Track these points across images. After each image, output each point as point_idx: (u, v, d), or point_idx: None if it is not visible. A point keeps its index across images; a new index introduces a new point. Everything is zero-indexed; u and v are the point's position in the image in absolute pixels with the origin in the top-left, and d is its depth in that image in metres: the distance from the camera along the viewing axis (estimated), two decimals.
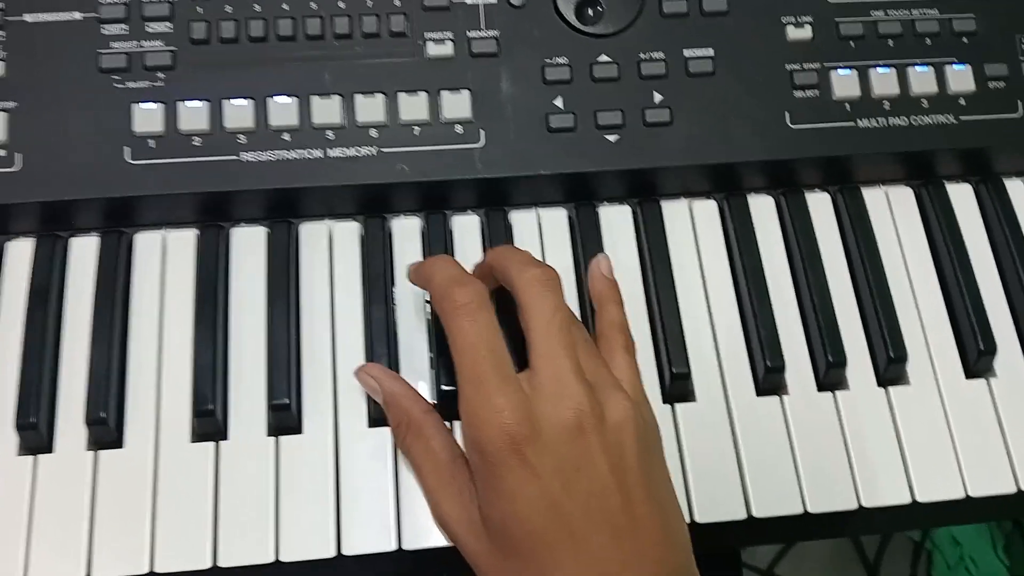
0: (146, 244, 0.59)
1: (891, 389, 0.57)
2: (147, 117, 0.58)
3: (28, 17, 0.59)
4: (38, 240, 0.59)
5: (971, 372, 0.58)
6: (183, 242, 0.59)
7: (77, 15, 0.59)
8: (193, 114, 0.58)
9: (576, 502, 0.45)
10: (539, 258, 0.58)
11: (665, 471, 0.50)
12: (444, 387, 0.55)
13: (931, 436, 0.56)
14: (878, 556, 1.13)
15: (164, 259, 0.59)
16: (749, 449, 0.55)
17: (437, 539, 0.52)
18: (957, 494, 0.55)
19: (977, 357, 0.57)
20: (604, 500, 0.46)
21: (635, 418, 0.47)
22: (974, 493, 0.55)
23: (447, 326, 0.50)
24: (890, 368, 0.57)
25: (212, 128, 0.58)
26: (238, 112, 0.58)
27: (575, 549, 0.45)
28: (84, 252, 0.59)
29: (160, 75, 0.58)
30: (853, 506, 0.54)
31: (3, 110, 0.57)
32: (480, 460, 0.47)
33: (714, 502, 0.54)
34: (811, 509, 0.54)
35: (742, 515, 0.54)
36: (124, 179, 0.57)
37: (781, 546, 1.09)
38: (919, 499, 0.55)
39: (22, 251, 0.58)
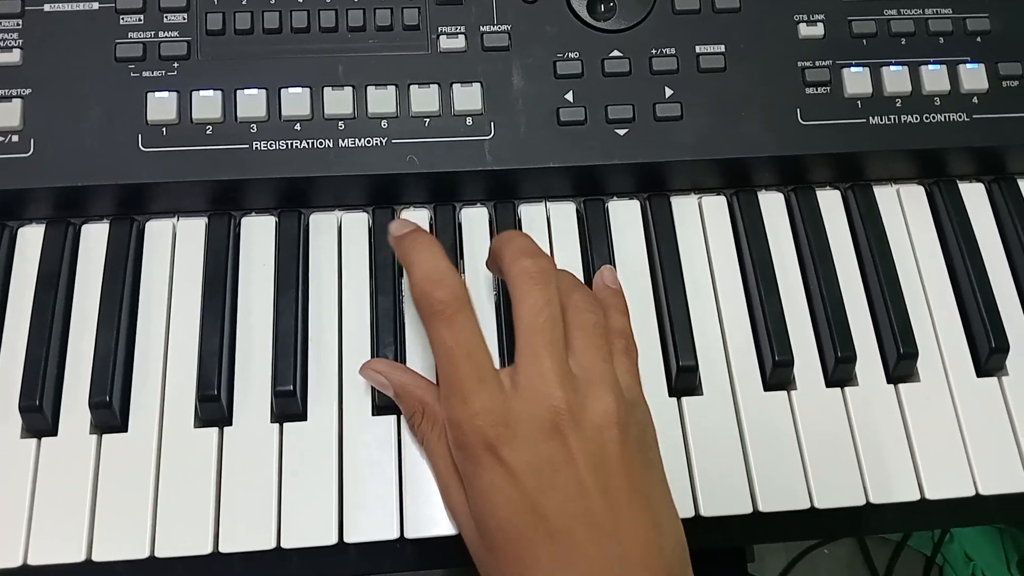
0: (157, 231, 0.59)
1: (901, 386, 0.57)
2: (161, 106, 0.58)
3: (47, 7, 0.59)
4: (49, 225, 0.59)
5: (982, 370, 0.57)
6: (193, 230, 0.59)
7: (95, 5, 0.59)
8: (206, 103, 0.58)
9: (553, 502, 0.45)
10: (546, 251, 0.58)
11: (659, 473, 0.49)
12: None
13: (941, 433, 0.56)
14: (888, 571, 1.11)
15: (174, 246, 0.59)
16: (756, 444, 0.55)
17: (440, 528, 0.52)
18: (967, 492, 0.54)
19: (988, 355, 0.57)
20: (584, 501, 0.45)
21: (619, 419, 0.47)
22: (985, 491, 0.54)
23: (426, 327, 0.49)
24: (900, 364, 0.56)
25: (225, 117, 0.58)
26: (251, 102, 0.58)
27: (555, 549, 0.44)
28: (94, 238, 0.59)
29: (175, 65, 0.59)
30: (861, 502, 0.54)
31: (18, 97, 0.58)
32: (461, 458, 0.47)
33: (720, 496, 0.53)
34: (818, 504, 0.53)
35: (748, 509, 0.53)
36: (136, 166, 0.57)
37: (789, 560, 1.08)
38: (928, 496, 0.54)
39: (33, 236, 0.59)
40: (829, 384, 0.57)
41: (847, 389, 0.56)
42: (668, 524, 0.47)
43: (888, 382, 0.57)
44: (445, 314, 0.48)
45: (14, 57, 0.58)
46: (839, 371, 0.56)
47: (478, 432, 0.46)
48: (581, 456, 0.45)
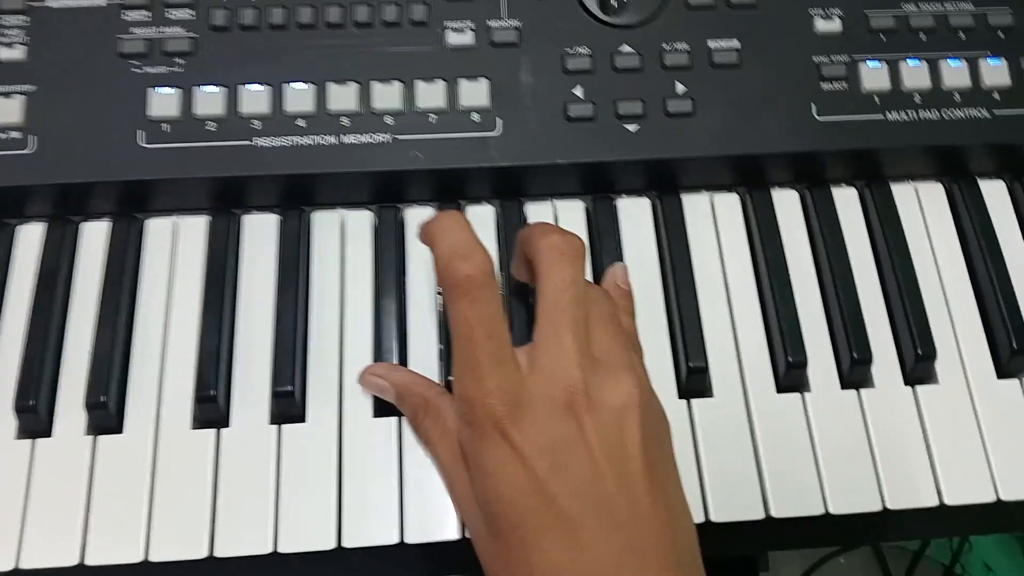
0: (157, 229, 0.59)
1: (919, 388, 0.55)
2: (163, 101, 0.57)
3: (52, 3, 0.59)
4: (49, 223, 0.58)
5: (1003, 371, 0.56)
6: (194, 228, 0.58)
7: (101, 1, 0.59)
8: (209, 99, 0.57)
9: (564, 486, 0.43)
10: None
11: (674, 468, 0.47)
12: (451, 378, 0.53)
13: (960, 437, 0.54)
14: None
15: (175, 245, 0.58)
16: (768, 447, 0.53)
17: (441, 533, 0.51)
18: (988, 498, 0.52)
19: (1010, 356, 0.55)
20: (597, 486, 0.43)
21: (640, 404, 0.45)
22: (1006, 497, 0.52)
23: (446, 302, 0.47)
24: (918, 366, 0.55)
25: (227, 113, 0.57)
26: (254, 97, 0.57)
27: (562, 535, 0.42)
28: (94, 236, 0.58)
29: (179, 61, 0.58)
30: (877, 508, 0.52)
31: (21, 93, 0.57)
32: (468, 435, 0.46)
33: (731, 501, 0.52)
34: (832, 510, 0.51)
35: (760, 515, 0.51)
36: (137, 163, 0.56)
37: (804, 569, 1.06)
38: (947, 502, 0.52)
39: (33, 234, 0.58)
40: (844, 386, 0.55)
41: (863, 391, 0.55)
42: (682, 518, 0.45)
43: (905, 384, 0.55)
44: (469, 289, 0.45)
45: (18, 53, 0.58)
46: (855, 372, 0.54)
47: (488, 411, 0.44)
48: (596, 439, 0.43)
